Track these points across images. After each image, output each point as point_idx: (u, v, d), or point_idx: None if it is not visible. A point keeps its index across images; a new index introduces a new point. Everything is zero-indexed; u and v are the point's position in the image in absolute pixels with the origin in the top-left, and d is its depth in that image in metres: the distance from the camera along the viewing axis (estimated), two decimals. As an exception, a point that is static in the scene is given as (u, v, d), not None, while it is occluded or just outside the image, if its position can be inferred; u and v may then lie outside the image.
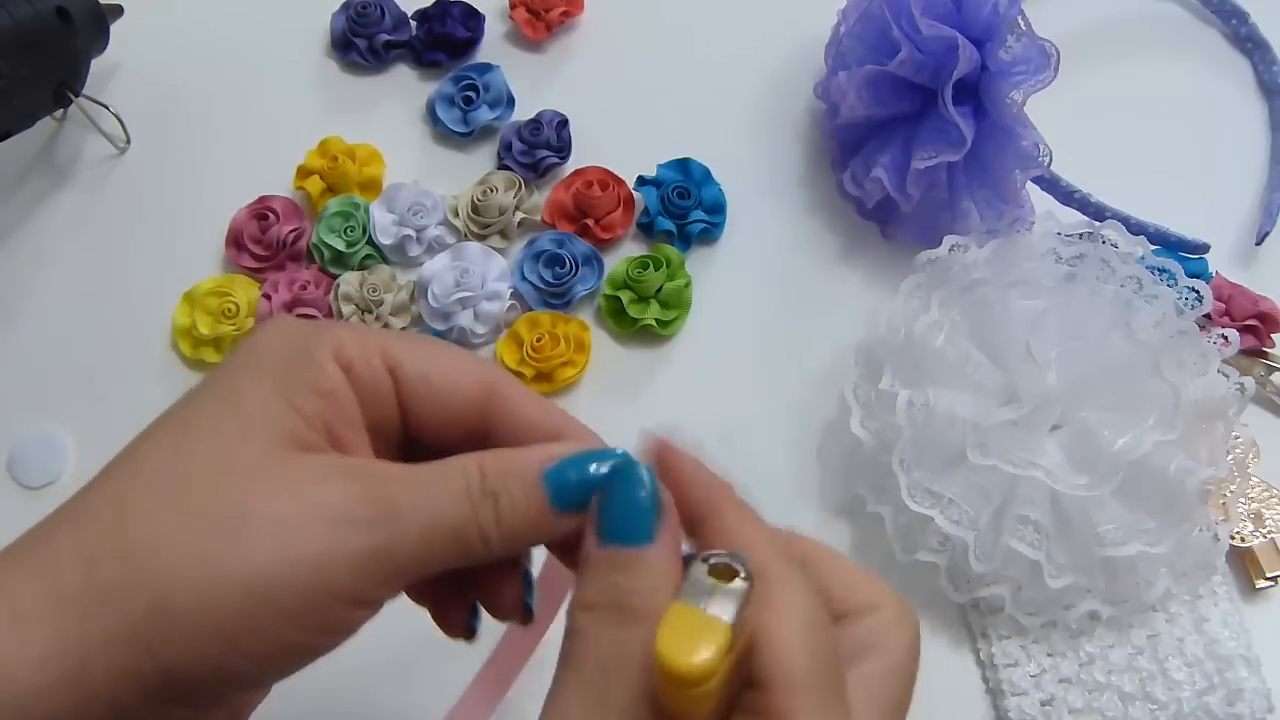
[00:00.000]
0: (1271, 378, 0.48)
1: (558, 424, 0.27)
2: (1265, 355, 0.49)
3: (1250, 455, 0.46)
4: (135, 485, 0.25)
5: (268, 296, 0.50)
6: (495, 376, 0.28)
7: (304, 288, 0.50)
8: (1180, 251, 0.50)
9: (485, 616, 0.30)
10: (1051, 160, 0.46)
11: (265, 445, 0.24)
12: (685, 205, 0.52)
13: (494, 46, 0.58)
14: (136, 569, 0.23)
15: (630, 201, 0.53)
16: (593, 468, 0.25)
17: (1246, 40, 0.58)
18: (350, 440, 0.26)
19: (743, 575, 0.23)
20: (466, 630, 0.29)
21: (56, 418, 0.50)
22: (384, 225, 0.52)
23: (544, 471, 0.25)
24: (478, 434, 0.27)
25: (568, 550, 0.27)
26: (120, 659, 0.23)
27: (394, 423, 0.27)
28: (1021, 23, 0.44)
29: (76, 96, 0.53)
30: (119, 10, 0.56)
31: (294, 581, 0.23)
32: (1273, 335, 0.49)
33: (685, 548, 0.26)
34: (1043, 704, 0.42)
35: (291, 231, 0.52)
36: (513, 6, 0.58)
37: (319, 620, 0.24)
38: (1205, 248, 0.50)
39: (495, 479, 0.25)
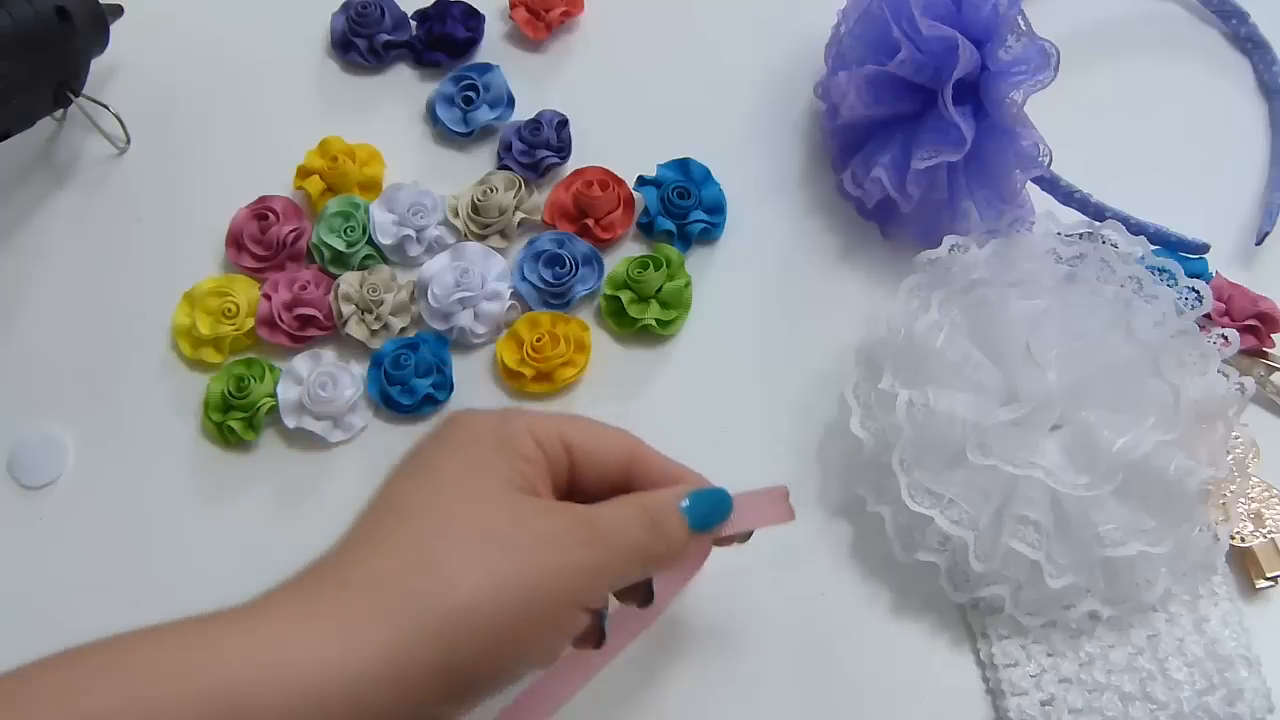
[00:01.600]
0: (1271, 378, 0.48)
1: (678, 471, 0.37)
2: (1265, 355, 0.49)
3: (1250, 455, 0.46)
4: (415, 517, 0.31)
5: (268, 296, 0.51)
6: (634, 444, 0.36)
7: (304, 288, 0.50)
8: (1180, 251, 0.50)
9: None
10: (1051, 160, 0.46)
11: (501, 489, 0.32)
12: (685, 205, 0.52)
13: (494, 46, 0.58)
14: (441, 581, 0.30)
15: (630, 201, 0.53)
16: (713, 508, 0.36)
17: (1246, 40, 0.58)
18: (543, 494, 0.34)
19: None
20: (597, 639, 0.36)
21: (56, 418, 0.50)
22: (384, 225, 0.52)
23: (680, 505, 0.35)
24: (619, 486, 0.36)
25: None
26: (432, 655, 0.29)
27: (564, 482, 0.35)
28: (1021, 23, 0.44)
29: (76, 96, 0.53)
30: (119, 10, 0.56)
31: (550, 588, 0.31)
32: (1273, 335, 0.49)
33: None
34: (1043, 704, 0.42)
35: (291, 231, 0.52)
36: (513, 6, 0.58)
37: (564, 622, 0.32)
38: (1205, 248, 0.50)
39: (656, 511, 0.34)
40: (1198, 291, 0.44)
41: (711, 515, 0.36)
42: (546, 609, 0.31)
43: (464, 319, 0.50)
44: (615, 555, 0.33)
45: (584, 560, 0.32)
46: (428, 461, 0.33)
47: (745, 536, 0.39)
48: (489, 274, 0.51)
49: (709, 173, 0.53)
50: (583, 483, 0.35)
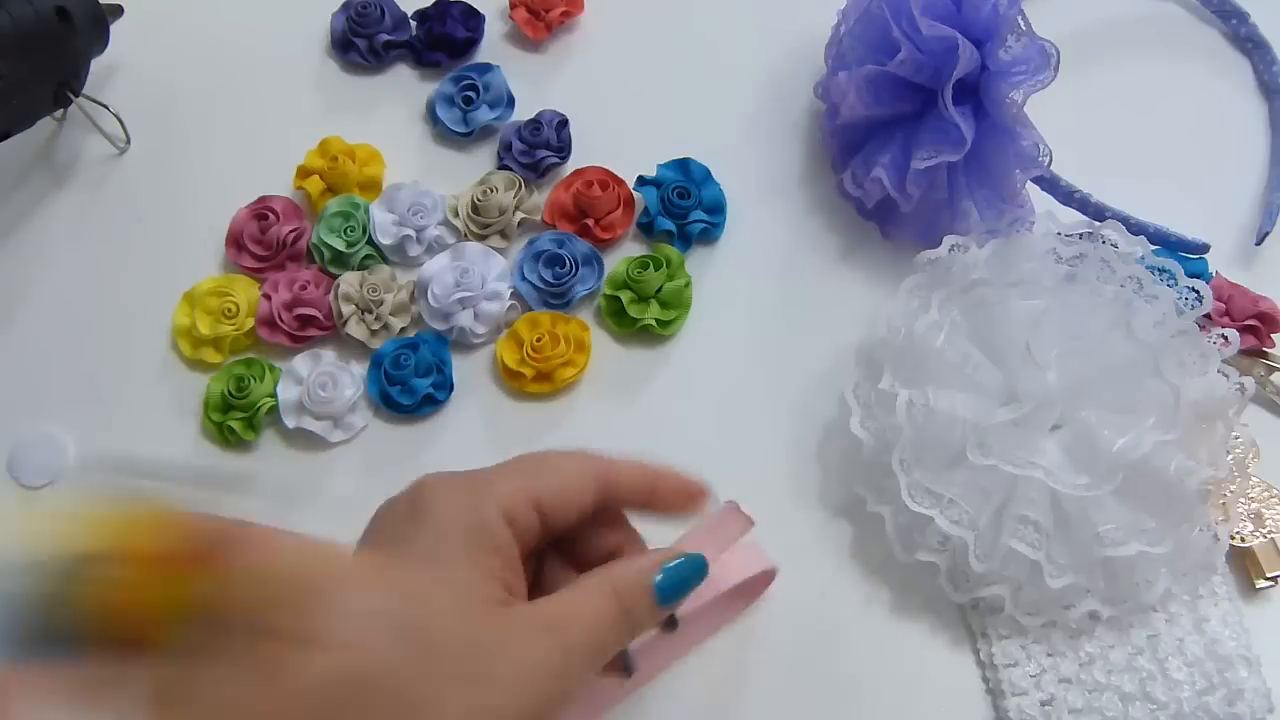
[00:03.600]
0: (1271, 378, 0.48)
1: (652, 478, 0.36)
2: (1265, 355, 0.49)
3: (1250, 455, 0.46)
4: (396, 650, 0.29)
5: (268, 296, 0.51)
6: (601, 467, 0.35)
7: (304, 288, 0.50)
8: (1180, 251, 0.50)
9: None
10: (1051, 160, 0.46)
11: (480, 611, 0.31)
12: (685, 205, 0.52)
13: (494, 46, 0.58)
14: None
15: (630, 201, 0.53)
16: (687, 578, 0.35)
17: (1246, 40, 0.58)
18: (515, 584, 0.33)
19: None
20: (625, 670, 0.37)
21: (56, 418, 0.50)
22: (384, 225, 0.52)
23: (655, 583, 0.34)
24: (593, 511, 0.35)
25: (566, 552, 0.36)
26: None
27: (537, 541, 0.34)
28: (1021, 23, 0.44)
29: (76, 96, 0.53)
30: (119, 10, 0.56)
31: (528, 712, 0.30)
32: (1273, 335, 0.49)
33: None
34: (1043, 704, 0.42)
35: (291, 231, 0.52)
36: (513, 6, 0.58)
37: None
38: (1205, 248, 0.50)
39: (628, 598, 0.33)
40: (1198, 291, 0.44)
41: (685, 588, 0.35)
42: None
43: (464, 319, 0.50)
44: (587, 663, 0.32)
45: (557, 687, 0.31)
46: (399, 573, 0.31)
47: (672, 624, 0.37)
48: (489, 274, 0.51)
49: (709, 173, 0.53)
50: (557, 527, 0.34)
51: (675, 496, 0.37)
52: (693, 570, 0.35)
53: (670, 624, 0.37)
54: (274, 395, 0.49)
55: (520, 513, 0.33)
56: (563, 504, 0.34)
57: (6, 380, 0.51)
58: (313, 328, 0.50)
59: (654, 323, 0.50)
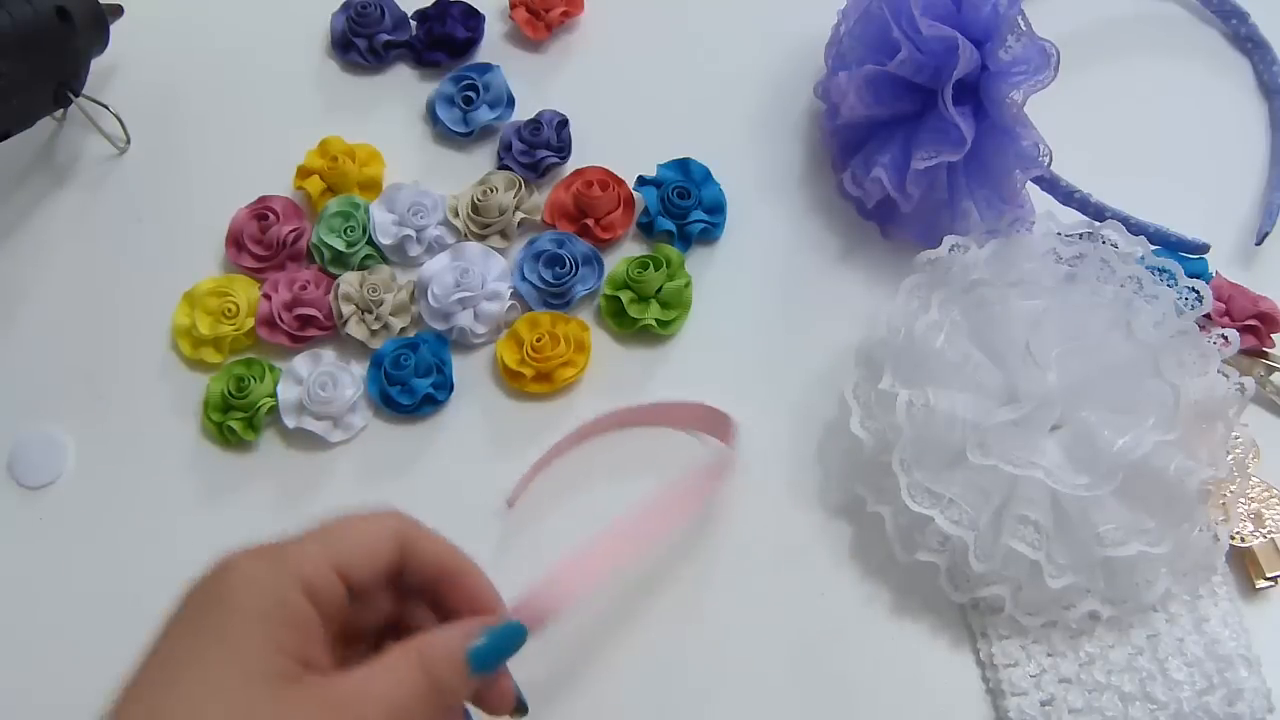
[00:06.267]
0: (1271, 378, 0.48)
1: (449, 556, 0.35)
2: (1265, 355, 0.49)
3: (1250, 455, 0.46)
4: None
5: (268, 296, 0.51)
6: (404, 529, 0.34)
7: (304, 288, 0.50)
8: (1180, 251, 0.50)
9: None
10: (1051, 160, 0.46)
11: (263, 688, 0.29)
12: (685, 205, 0.52)
13: (494, 46, 0.59)
14: None
15: (630, 201, 0.53)
16: (504, 648, 0.33)
17: (1246, 40, 0.58)
18: (317, 656, 0.31)
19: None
20: (518, 710, 0.35)
21: (56, 418, 0.50)
22: (384, 225, 0.52)
23: (468, 651, 0.32)
24: (395, 571, 0.34)
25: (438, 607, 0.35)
26: None
27: (341, 608, 0.33)
28: (1021, 23, 0.44)
29: (76, 96, 0.53)
30: (119, 10, 0.56)
31: None
32: (1273, 335, 0.49)
33: None
34: (1043, 704, 0.42)
35: (291, 231, 0.52)
36: (513, 6, 0.58)
37: None
38: (1205, 248, 0.50)
39: (436, 670, 0.32)
40: (1198, 291, 0.44)
41: (502, 656, 0.33)
42: None
43: (464, 319, 0.50)
44: None
45: None
46: (185, 654, 0.30)
47: (522, 709, 0.36)
48: (489, 274, 0.51)
49: (709, 173, 0.53)
50: (363, 588, 0.33)
51: (463, 596, 0.35)
52: (510, 639, 0.33)
53: (520, 709, 0.35)
54: (274, 395, 0.49)
55: (323, 583, 0.32)
56: (360, 566, 0.33)
57: (6, 380, 0.51)
58: (313, 328, 0.50)
59: (654, 323, 0.50)
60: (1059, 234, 0.46)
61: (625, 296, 0.50)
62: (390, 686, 0.31)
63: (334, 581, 0.32)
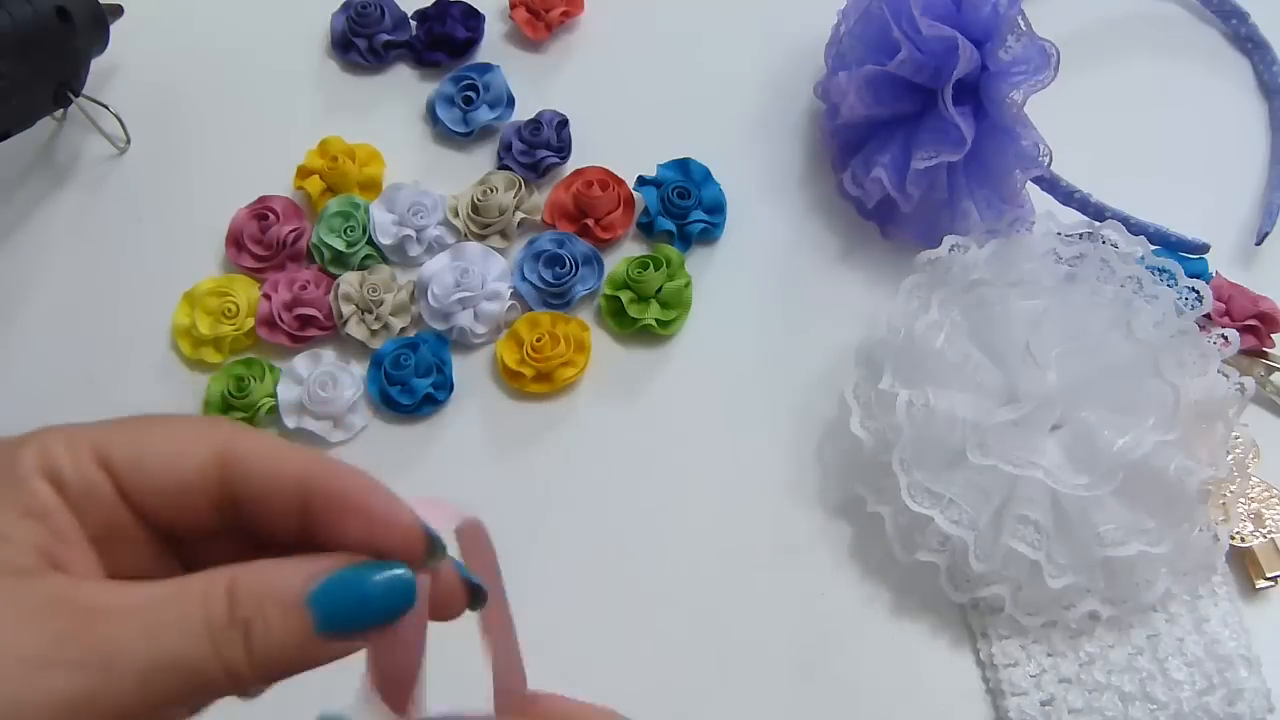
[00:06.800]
0: (1271, 378, 0.48)
1: (303, 471, 0.24)
2: (1265, 355, 0.49)
3: (1250, 455, 0.46)
4: None
5: (268, 296, 0.51)
6: (227, 436, 0.24)
7: (304, 288, 0.50)
8: (1180, 251, 0.50)
9: None
10: (1051, 160, 0.46)
11: None
12: (685, 205, 0.52)
13: (494, 46, 0.58)
14: None
15: (630, 201, 0.53)
16: (372, 581, 0.22)
17: (1246, 40, 0.58)
18: (73, 559, 0.23)
19: None
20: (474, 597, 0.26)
21: (56, 418, 0.50)
22: (384, 225, 0.52)
23: (309, 592, 0.22)
24: (225, 508, 0.24)
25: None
26: None
27: (131, 522, 0.24)
28: (1021, 23, 0.44)
29: (76, 96, 0.53)
30: (119, 10, 0.56)
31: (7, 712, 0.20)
32: (1273, 335, 0.49)
33: None
34: (1043, 704, 0.42)
35: (291, 231, 0.52)
36: (513, 6, 0.58)
37: None
38: (1205, 248, 0.50)
39: (248, 603, 0.22)
40: (1198, 291, 0.44)
41: (372, 610, 0.22)
42: None
43: (464, 319, 0.50)
44: (124, 682, 0.21)
45: (50, 692, 0.20)
46: None
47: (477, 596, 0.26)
48: (489, 274, 0.51)
49: (709, 173, 0.53)
50: (160, 518, 0.24)
51: (350, 532, 0.23)
52: (396, 593, 0.23)
53: (477, 598, 0.26)
54: (274, 395, 0.49)
55: (70, 470, 0.24)
56: (139, 468, 0.24)
57: (7, 380, 0.51)
58: (313, 328, 0.50)
59: (654, 323, 0.50)
60: (1059, 234, 0.46)
61: (625, 296, 0.50)
62: (164, 619, 0.21)
63: (95, 475, 0.24)
